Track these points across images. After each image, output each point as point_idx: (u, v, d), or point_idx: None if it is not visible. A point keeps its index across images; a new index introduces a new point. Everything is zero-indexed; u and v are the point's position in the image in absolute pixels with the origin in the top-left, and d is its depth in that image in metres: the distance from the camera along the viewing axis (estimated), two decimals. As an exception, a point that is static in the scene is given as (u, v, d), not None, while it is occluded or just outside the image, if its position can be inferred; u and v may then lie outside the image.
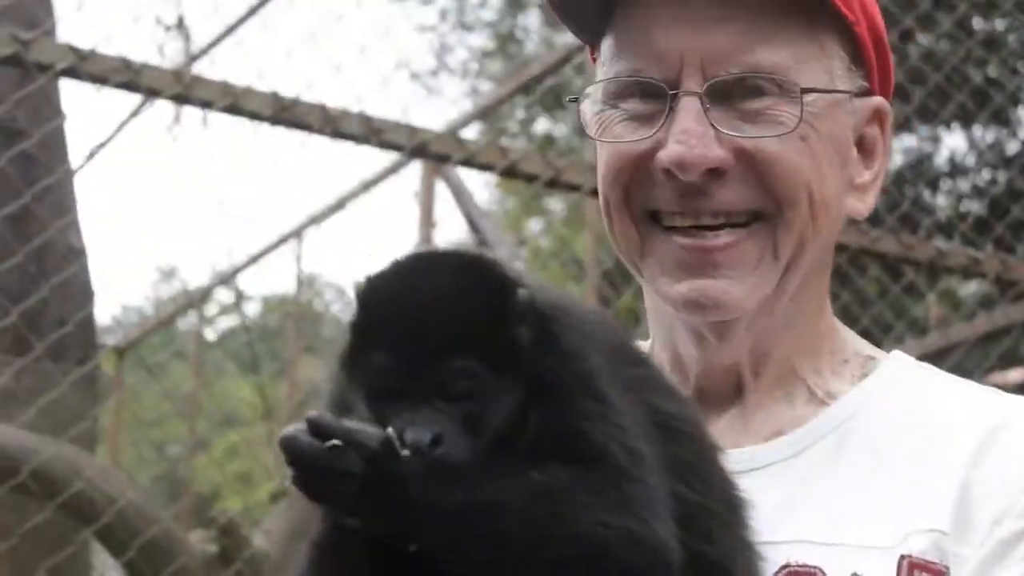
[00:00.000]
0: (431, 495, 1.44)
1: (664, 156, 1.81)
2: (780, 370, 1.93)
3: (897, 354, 2.00)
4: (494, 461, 1.50)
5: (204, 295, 11.58)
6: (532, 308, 1.57)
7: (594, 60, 2.00)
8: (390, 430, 1.46)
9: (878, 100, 1.95)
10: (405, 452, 1.46)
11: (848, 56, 1.89)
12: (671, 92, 1.83)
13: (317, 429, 1.44)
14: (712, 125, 1.81)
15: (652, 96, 1.85)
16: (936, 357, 6.80)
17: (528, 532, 1.44)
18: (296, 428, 1.45)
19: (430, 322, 1.53)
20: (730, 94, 1.82)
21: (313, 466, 1.43)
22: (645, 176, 1.85)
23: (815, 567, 1.75)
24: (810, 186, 1.84)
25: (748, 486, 1.73)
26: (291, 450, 1.44)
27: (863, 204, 1.96)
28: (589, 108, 1.93)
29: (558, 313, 1.60)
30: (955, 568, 1.73)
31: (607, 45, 1.92)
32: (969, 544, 1.73)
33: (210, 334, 17.57)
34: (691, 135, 1.80)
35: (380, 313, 1.57)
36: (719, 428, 1.89)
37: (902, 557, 1.73)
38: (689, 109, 1.81)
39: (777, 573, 1.74)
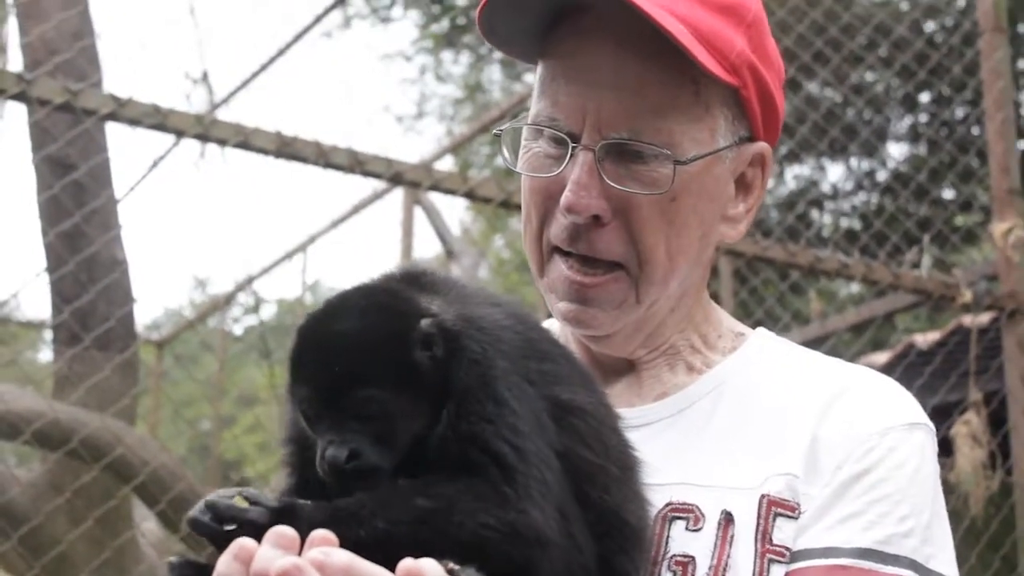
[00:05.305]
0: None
1: (561, 199, 1.79)
2: (666, 348, 1.93)
3: (762, 331, 1.99)
4: (384, 493, 1.48)
5: (229, 299, 11.56)
6: (440, 330, 1.57)
7: None
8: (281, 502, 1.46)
9: (761, 145, 1.87)
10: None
11: (733, 111, 1.81)
12: (572, 145, 1.77)
13: (214, 512, 1.44)
14: (602, 178, 1.76)
15: (559, 142, 1.80)
16: (815, 343, 6.85)
17: (420, 548, 1.42)
18: (198, 510, 1.44)
19: (339, 361, 1.54)
20: (621, 152, 1.76)
21: (218, 543, 1.41)
22: (554, 208, 1.81)
23: (693, 504, 1.76)
24: (668, 242, 1.79)
25: (639, 438, 1.74)
26: (197, 530, 1.44)
27: (735, 231, 1.90)
28: (514, 143, 1.88)
29: (468, 328, 1.59)
30: (805, 504, 1.74)
31: (537, 80, 1.84)
32: (816, 485, 1.75)
33: (237, 330, 17.52)
34: (580, 186, 1.75)
35: (303, 352, 1.58)
36: (616, 391, 1.91)
37: (762, 496, 1.74)
38: (583, 162, 1.76)
39: (662, 509, 1.75)
